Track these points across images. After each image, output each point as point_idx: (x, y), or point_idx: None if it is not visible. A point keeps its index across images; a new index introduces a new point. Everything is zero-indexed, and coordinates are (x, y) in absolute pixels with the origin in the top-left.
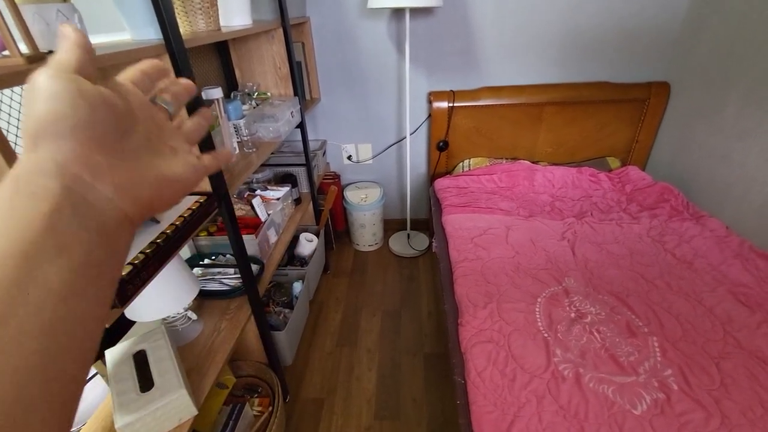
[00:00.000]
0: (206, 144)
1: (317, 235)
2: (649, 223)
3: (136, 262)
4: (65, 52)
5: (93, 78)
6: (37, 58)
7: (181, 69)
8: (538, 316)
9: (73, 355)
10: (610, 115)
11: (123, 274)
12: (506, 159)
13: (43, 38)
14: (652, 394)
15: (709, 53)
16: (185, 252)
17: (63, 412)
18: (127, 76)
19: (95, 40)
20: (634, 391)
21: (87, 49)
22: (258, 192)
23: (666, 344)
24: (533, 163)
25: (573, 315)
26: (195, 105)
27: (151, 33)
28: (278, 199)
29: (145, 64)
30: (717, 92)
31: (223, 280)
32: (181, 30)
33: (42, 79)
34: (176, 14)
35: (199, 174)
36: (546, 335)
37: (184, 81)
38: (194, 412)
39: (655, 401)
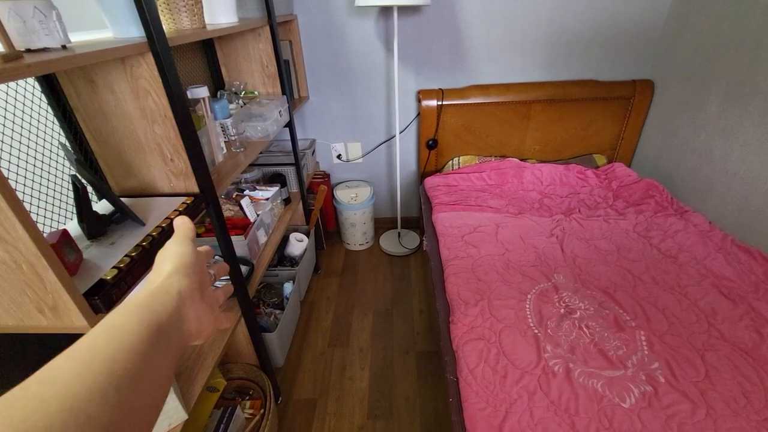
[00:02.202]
0: (192, 143)
1: (307, 234)
2: (635, 218)
3: (121, 265)
4: (184, 229)
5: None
6: (13, 56)
7: (165, 68)
8: (528, 312)
9: (163, 390)
10: (596, 113)
11: (108, 278)
12: (495, 157)
13: (20, 36)
14: (640, 388)
15: (691, 51)
16: None
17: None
18: (205, 248)
19: (76, 38)
20: (623, 385)
21: (194, 229)
22: (247, 192)
23: (653, 338)
24: (522, 160)
25: (562, 311)
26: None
27: (133, 31)
28: (267, 199)
29: (207, 248)
30: (699, 89)
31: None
32: (165, 28)
33: (173, 244)
34: (160, 12)
35: (219, 324)
36: (536, 331)
37: (222, 263)
38: (184, 416)
39: (643, 394)
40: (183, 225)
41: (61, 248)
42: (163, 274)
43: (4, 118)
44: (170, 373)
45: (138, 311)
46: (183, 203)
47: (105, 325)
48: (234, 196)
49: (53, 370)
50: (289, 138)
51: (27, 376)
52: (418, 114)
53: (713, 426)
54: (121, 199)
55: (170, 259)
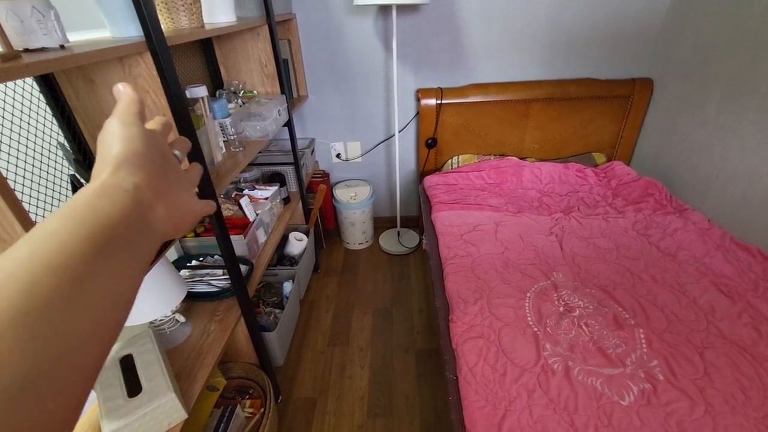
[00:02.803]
0: (193, 144)
1: (307, 234)
2: (634, 217)
3: None
4: (127, 104)
5: (144, 122)
6: (11, 56)
7: (163, 67)
8: (527, 310)
9: (123, 309)
10: (596, 111)
11: None
12: (494, 155)
13: (18, 35)
14: (639, 385)
15: (690, 50)
16: (172, 253)
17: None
18: (153, 125)
19: (74, 37)
20: (622, 383)
21: (141, 102)
22: (246, 191)
23: (652, 336)
24: (521, 159)
25: (562, 309)
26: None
27: (131, 30)
28: (267, 198)
29: (162, 120)
30: (698, 88)
31: (211, 282)
32: (164, 27)
33: (116, 124)
34: (158, 11)
35: (202, 212)
36: (536, 330)
37: (180, 138)
38: (184, 415)
39: (641, 392)
40: (125, 97)
41: None
42: (108, 167)
43: (3, 118)
44: (132, 290)
45: (72, 218)
46: None
47: (29, 236)
48: (233, 196)
49: None
50: (288, 137)
51: None
52: (417, 113)
53: (712, 423)
54: None
55: (115, 144)
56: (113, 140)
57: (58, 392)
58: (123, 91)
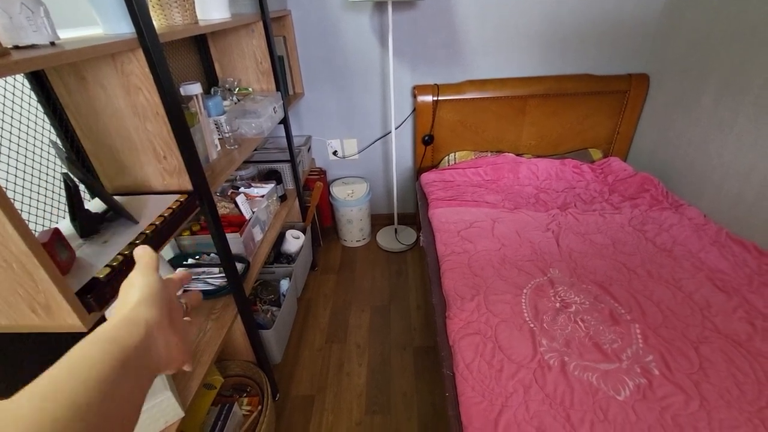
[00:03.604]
0: (185, 141)
1: (304, 231)
2: (630, 212)
3: (114, 264)
4: (148, 258)
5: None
6: (1, 53)
7: (156, 64)
8: (524, 307)
9: (134, 413)
10: (592, 107)
11: (101, 276)
12: (491, 152)
13: (6, 32)
14: (634, 380)
15: (686, 45)
16: (168, 252)
17: None
18: (176, 276)
19: (65, 34)
20: (618, 378)
21: (157, 258)
22: (242, 189)
23: (647, 331)
24: (517, 155)
25: (558, 305)
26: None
27: (123, 27)
28: (263, 196)
29: (181, 274)
30: (694, 83)
31: (207, 280)
32: (156, 24)
33: (138, 276)
34: (150, 7)
35: (186, 359)
36: (532, 326)
37: (195, 293)
38: (181, 414)
39: (637, 387)
40: (145, 255)
41: (52, 247)
42: (129, 304)
43: None
44: (139, 401)
45: (102, 343)
46: (177, 201)
47: (68, 357)
48: (229, 194)
49: (14, 402)
50: (284, 134)
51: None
52: (414, 110)
53: (707, 417)
54: (114, 197)
55: (136, 288)
56: (135, 287)
57: None
58: (144, 250)
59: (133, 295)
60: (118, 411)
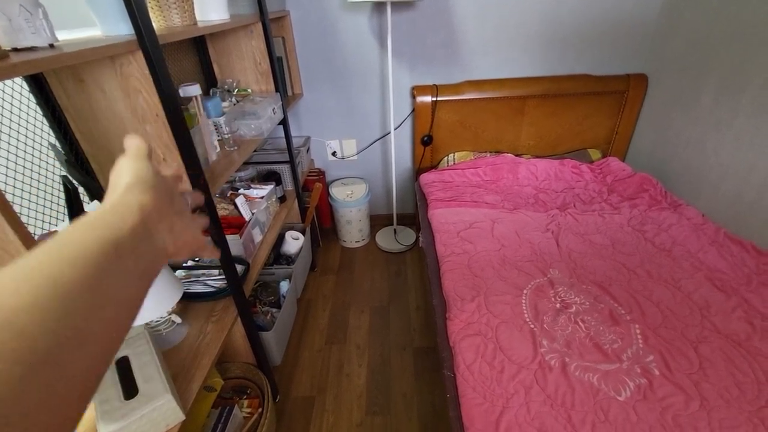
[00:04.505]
0: (185, 142)
1: (303, 232)
2: (629, 212)
3: None
4: (137, 146)
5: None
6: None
7: (155, 66)
8: (524, 307)
9: (128, 313)
10: (591, 107)
11: None
12: (490, 152)
13: (5, 34)
14: (635, 380)
15: (684, 45)
16: None
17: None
18: (167, 173)
19: (64, 36)
20: (618, 378)
21: (149, 147)
22: (241, 191)
23: (647, 331)
24: (517, 156)
25: (558, 305)
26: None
27: (122, 28)
28: (262, 197)
29: (174, 167)
30: (692, 83)
31: (207, 282)
32: (155, 25)
33: (126, 160)
34: (149, 9)
35: (201, 247)
36: (532, 326)
37: (197, 192)
38: (181, 417)
39: (638, 387)
40: (134, 144)
41: None
42: (119, 190)
43: None
44: (138, 297)
45: (88, 228)
46: None
47: (53, 241)
48: (228, 195)
49: None
50: (283, 135)
51: None
52: (413, 110)
53: (707, 417)
54: None
55: (126, 173)
56: (124, 171)
57: (69, 377)
58: (134, 140)
59: (123, 177)
60: (110, 305)
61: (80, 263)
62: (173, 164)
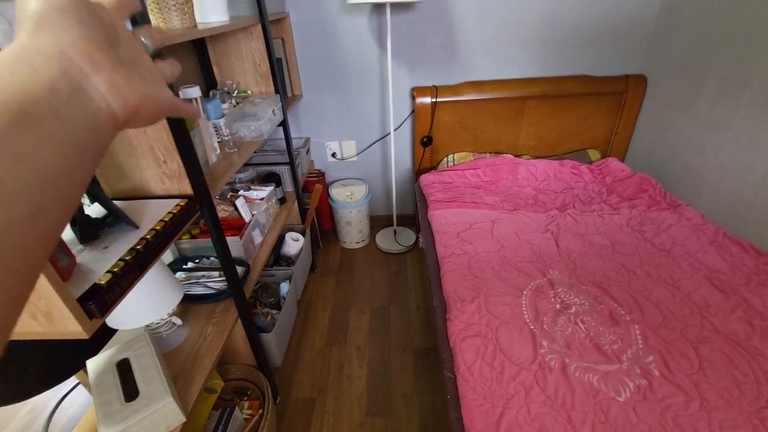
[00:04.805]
0: (185, 144)
1: (303, 234)
2: (628, 213)
3: (115, 270)
4: None
5: None
6: None
7: None
8: (524, 308)
9: (58, 198)
10: (590, 108)
11: (102, 282)
12: (490, 153)
13: (5, 37)
14: (635, 381)
15: (683, 46)
16: (167, 256)
17: (43, 249)
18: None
19: None
20: (618, 379)
21: None
22: (241, 192)
23: (647, 331)
24: (516, 156)
25: (558, 306)
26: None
27: None
28: (262, 198)
29: None
30: (692, 84)
31: (207, 284)
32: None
33: None
34: (149, 11)
35: (172, 106)
36: (532, 327)
37: (156, 28)
38: (182, 419)
39: (638, 387)
40: None
41: (53, 253)
42: (26, 25)
43: None
44: (70, 174)
45: None
46: (177, 205)
47: None
48: (228, 197)
49: None
50: (283, 137)
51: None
52: (413, 111)
53: (707, 418)
54: (114, 201)
55: (34, 2)
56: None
57: None
58: None
59: (31, 7)
60: (28, 185)
61: None
62: None
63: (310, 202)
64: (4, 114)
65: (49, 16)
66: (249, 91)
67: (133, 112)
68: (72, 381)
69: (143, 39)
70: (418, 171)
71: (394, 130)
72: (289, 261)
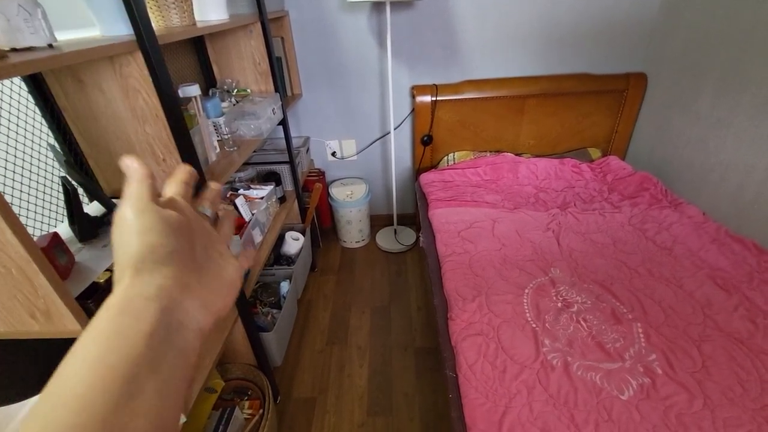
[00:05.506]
0: (185, 143)
1: (303, 233)
2: (630, 211)
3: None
4: (138, 184)
5: (158, 200)
6: None
7: (155, 66)
8: (526, 307)
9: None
10: (590, 107)
11: (101, 281)
12: (490, 152)
13: (4, 34)
14: (638, 379)
15: (683, 44)
16: None
17: None
18: (175, 191)
19: (63, 36)
20: (621, 377)
21: (152, 177)
22: (241, 191)
23: (650, 330)
24: (517, 155)
25: (560, 305)
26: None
27: (122, 29)
28: (262, 198)
29: (183, 175)
30: (692, 82)
31: None
32: (154, 25)
33: (130, 214)
34: (148, 9)
35: (240, 274)
36: (534, 326)
37: (213, 184)
38: (182, 419)
39: (641, 386)
40: (135, 175)
41: (51, 252)
42: (128, 271)
43: None
44: (174, 407)
45: (99, 343)
46: None
47: (54, 382)
48: (228, 196)
49: None
50: (282, 136)
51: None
52: (413, 110)
53: (711, 416)
54: (113, 200)
55: (133, 241)
56: (130, 235)
57: None
58: (131, 166)
59: (131, 246)
60: (148, 420)
61: (86, 410)
62: (181, 170)
63: (310, 201)
64: (117, 383)
65: (147, 256)
66: (248, 90)
67: (216, 313)
68: None
69: (204, 211)
70: (419, 170)
71: (394, 129)
72: (290, 260)
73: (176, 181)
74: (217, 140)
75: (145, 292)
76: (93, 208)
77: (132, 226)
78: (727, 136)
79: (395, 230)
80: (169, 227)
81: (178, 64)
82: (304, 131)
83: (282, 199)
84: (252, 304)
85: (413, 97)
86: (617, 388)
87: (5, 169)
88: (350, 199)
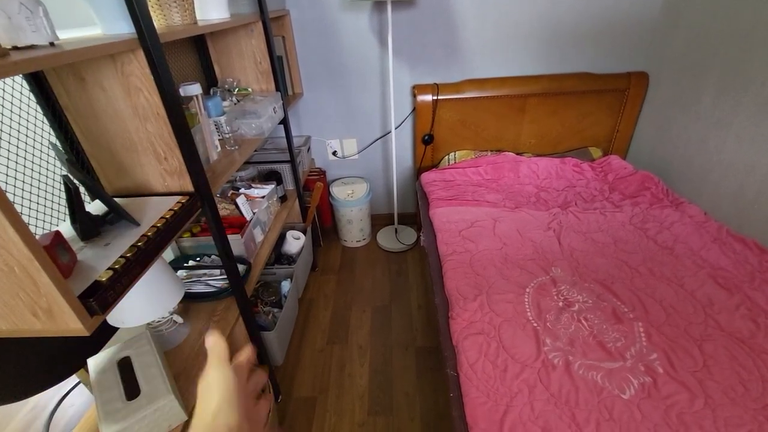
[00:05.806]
0: (186, 141)
1: (304, 232)
2: (631, 211)
3: (116, 267)
4: (219, 352)
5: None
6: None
7: (156, 65)
8: (527, 306)
9: None
10: (591, 106)
11: (103, 279)
12: (491, 151)
13: (5, 32)
14: (639, 378)
15: (684, 43)
16: (168, 254)
17: None
18: (243, 359)
19: (64, 34)
20: (622, 376)
21: (227, 346)
22: (242, 190)
23: (651, 329)
24: (518, 154)
25: (561, 304)
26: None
27: (123, 27)
28: (263, 197)
29: (246, 353)
30: (693, 81)
31: (209, 282)
32: (156, 24)
33: (215, 372)
34: (150, 7)
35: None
36: (535, 325)
37: (263, 374)
38: (184, 418)
39: (642, 385)
40: (216, 345)
41: (54, 250)
42: (211, 409)
43: None
44: None
45: None
46: (178, 202)
47: None
48: (229, 195)
49: None
50: (284, 135)
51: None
52: (414, 109)
53: (712, 415)
54: (115, 198)
55: (215, 390)
56: (213, 388)
57: None
58: (215, 340)
59: (213, 398)
60: None
61: None
62: (247, 350)
63: (311, 200)
64: None
65: (223, 405)
66: (250, 89)
67: None
68: (73, 380)
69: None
70: (420, 169)
71: (395, 128)
72: (290, 259)
73: (246, 355)
74: (219, 139)
75: (221, 427)
76: (95, 207)
77: (215, 382)
78: (728, 136)
79: (396, 229)
80: (239, 386)
81: (179, 62)
82: (305, 130)
83: (283, 198)
84: (253, 303)
85: (414, 96)
86: (618, 388)
87: (7, 167)
88: (351, 199)
